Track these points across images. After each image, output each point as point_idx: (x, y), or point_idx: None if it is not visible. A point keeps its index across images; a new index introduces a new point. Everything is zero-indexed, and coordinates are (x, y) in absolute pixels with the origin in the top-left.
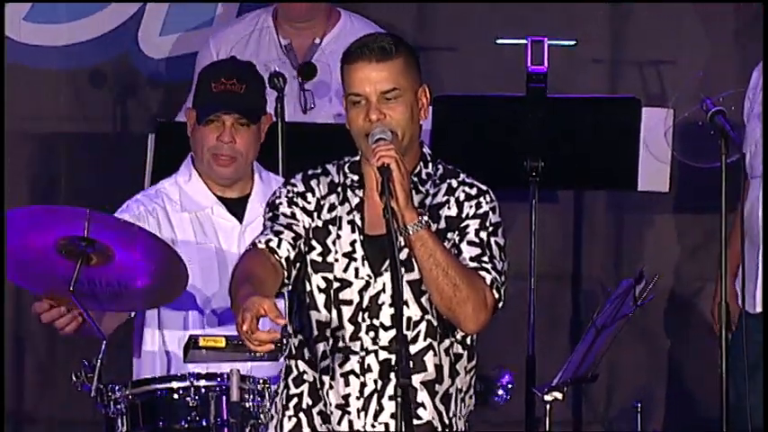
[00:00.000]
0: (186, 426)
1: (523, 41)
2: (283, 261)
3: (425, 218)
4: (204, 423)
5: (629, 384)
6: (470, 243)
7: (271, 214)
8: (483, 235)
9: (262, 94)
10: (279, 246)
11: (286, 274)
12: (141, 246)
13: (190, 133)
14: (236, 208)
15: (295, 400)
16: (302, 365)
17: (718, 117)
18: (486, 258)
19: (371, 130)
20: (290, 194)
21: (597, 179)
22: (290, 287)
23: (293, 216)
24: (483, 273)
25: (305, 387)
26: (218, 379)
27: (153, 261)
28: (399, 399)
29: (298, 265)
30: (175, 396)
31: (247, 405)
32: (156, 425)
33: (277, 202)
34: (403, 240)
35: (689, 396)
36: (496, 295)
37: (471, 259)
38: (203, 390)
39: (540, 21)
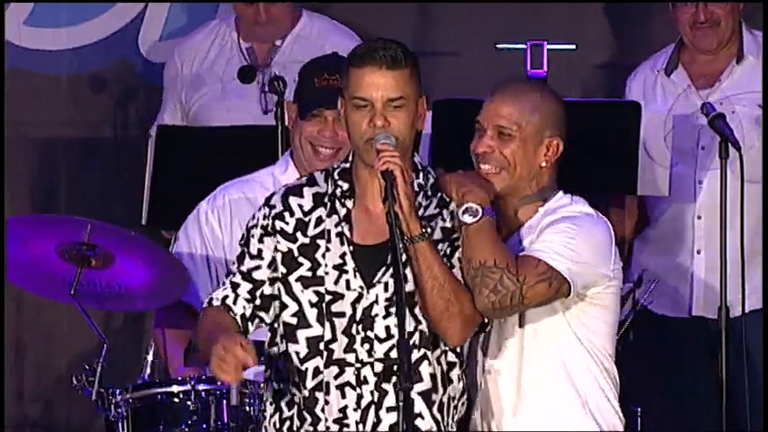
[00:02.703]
0: (187, 429)
1: (523, 46)
2: (238, 318)
3: (428, 230)
4: (204, 427)
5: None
6: (461, 260)
7: (239, 251)
8: None
9: None
10: (235, 302)
11: (242, 329)
12: (141, 251)
13: (290, 127)
14: None
15: (288, 423)
16: (293, 389)
17: (719, 121)
18: None
19: (375, 136)
20: (265, 222)
21: (597, 183)
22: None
23: (259, 254)
24: None
25: (295, 409)
26: (219, 383)
27: (153, 265)
28: (401, 404)
29: (256, 320)
30: (176, 400)
31: (248, 409)
32: (156, 428)
33: (250, 233)
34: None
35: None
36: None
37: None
38: (204, 394)
39: (541, 25)
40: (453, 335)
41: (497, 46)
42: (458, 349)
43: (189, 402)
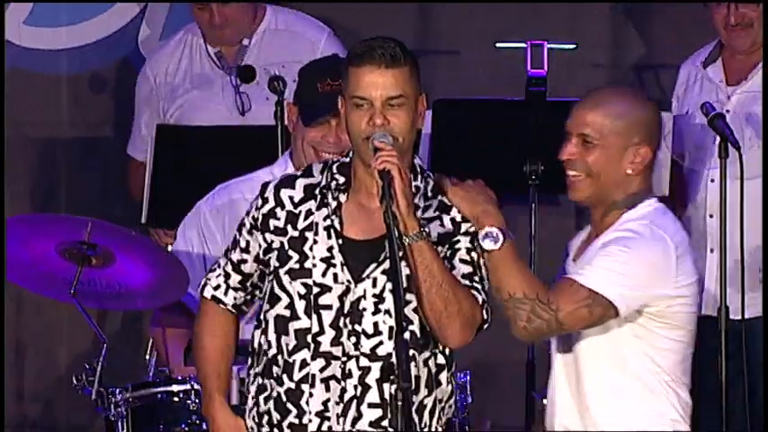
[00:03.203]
0: (186, 429)
1: (523, 45)
2: (230, 308)
3: (426, 229)
4: (204, 426)
5: None
6: (462, 261)
7: (233, 236)
8: (474, 255)
9: None
10: (225, 293)
11: (236, 315)
12: (141, 250)
13: (291, 129)
14: None
15: (266, 417)
16: (273, 383)
17: (718, 120)
18: (477, 278)
19: (373, 135)
20: (256, 214)
21: None
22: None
23: (247, 248)
24: (474, 292)
25: (271, 403)
26: None
27: (153, 265)
28: (400, 404)
29: (248, 305)
30: (176, 399)
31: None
32: (156, 428)
33: (243, 220)
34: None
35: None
36: (485, 316)
37: (463, 277)
38: None
39: (541, 25)
40: (452, 335)
41: (497, 45)
42: (446, 351)
43: (189, 402)
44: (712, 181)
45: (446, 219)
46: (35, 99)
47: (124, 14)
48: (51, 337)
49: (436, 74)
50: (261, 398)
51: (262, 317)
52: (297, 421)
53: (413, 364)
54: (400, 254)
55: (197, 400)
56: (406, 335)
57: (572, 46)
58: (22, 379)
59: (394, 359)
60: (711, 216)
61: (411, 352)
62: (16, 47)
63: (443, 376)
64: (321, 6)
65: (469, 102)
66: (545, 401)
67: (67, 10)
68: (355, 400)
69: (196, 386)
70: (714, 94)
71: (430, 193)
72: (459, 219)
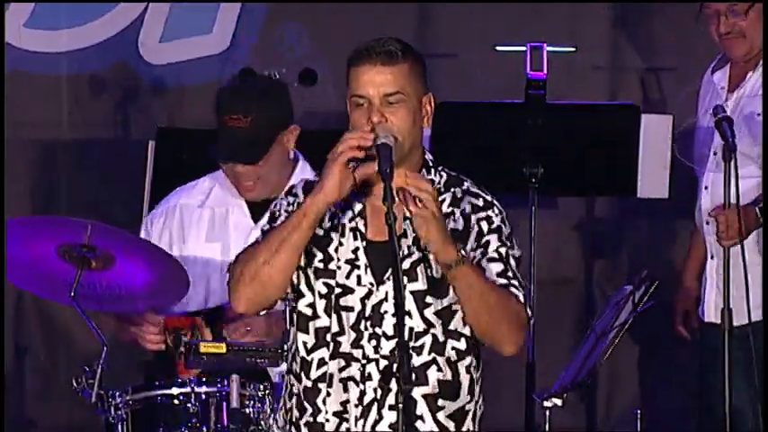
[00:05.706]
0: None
1: (522, 48)
2: None
3: (463, 251)
4: (204, 429)
5: (629, 392)
6: (491, 260)
7: (267, 227)
8: (502, 250)
9: (274, 114)
10: None
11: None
12: (141, 252)
13: None
14: (259, 209)
15: (288, 414)
16: (293, 379)
17: (723, 123)
18: (510, 274)
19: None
20: (290, 208)
21: (597, 186)
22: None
23: None
24: (513, 290)
25: (294, 400)
26: (219, 385)
27: (153, 266)
28: (400, 405)
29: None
30: (176, 402)
31: (248, 411)
32: (156, 430)
33: (276, 215)
34: (439, 269)
35: (689, 403)
36: (528, 312)
37: (498, 275)
38: (204, 395)
39: (541, 26)
40: (503, 341)
41: (497, 48)
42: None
43: (189, 404)
44: (706, 188)
45: (457, 212)
46: (35, 100)
47: (124, 17)
48: (51, 338)
49: (436, 77)
50: (286, 394)
51: (288, 315)
52: (312, 419)
53: (435, 367)
54: (410, 261)
55: (197, 403)
56: (427, 338)
57: (571, 49)
58: (22, 379)
59: (412, 361)
60: (708, 223)
61: (432, 355)
62: (17, 49)
63: (475, 378)
64: (321, 7)
65: (469, 104)
66: (545, 403)
67: (67, 13)
68: (376, 403)
69: (197, 389)
70: (717, 101)
71: (443, 188)
72: (468, 210)
